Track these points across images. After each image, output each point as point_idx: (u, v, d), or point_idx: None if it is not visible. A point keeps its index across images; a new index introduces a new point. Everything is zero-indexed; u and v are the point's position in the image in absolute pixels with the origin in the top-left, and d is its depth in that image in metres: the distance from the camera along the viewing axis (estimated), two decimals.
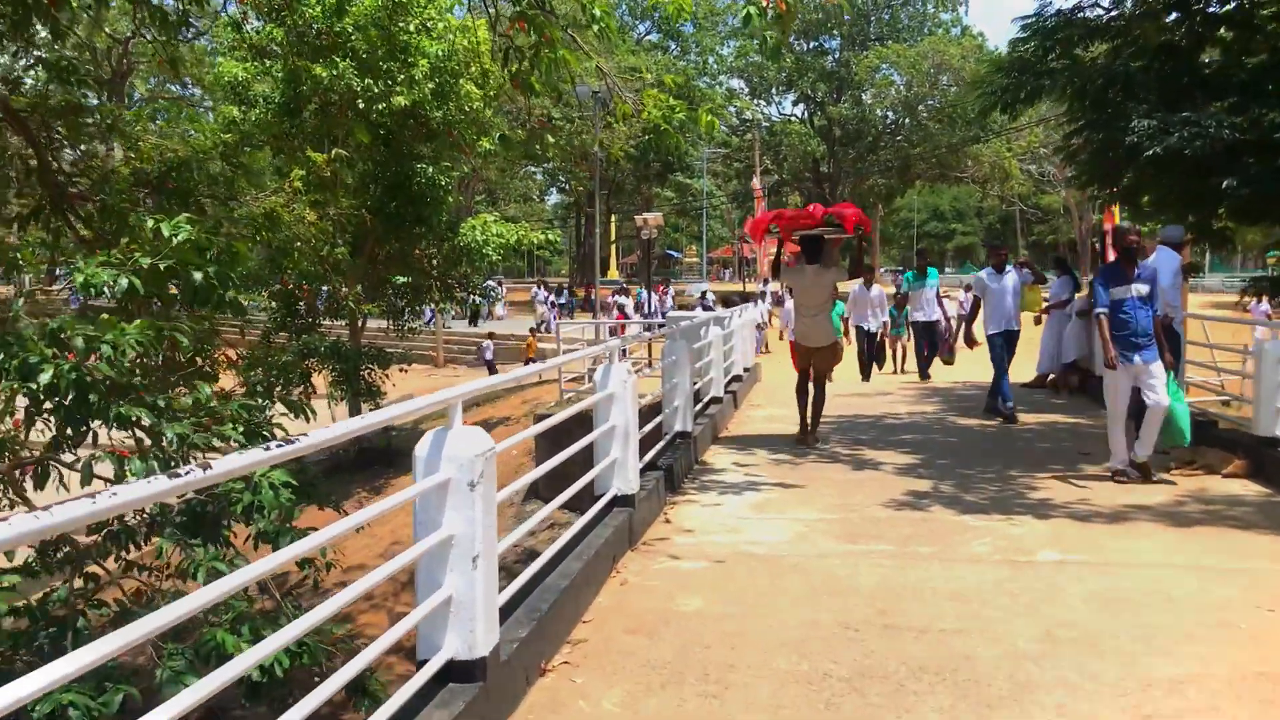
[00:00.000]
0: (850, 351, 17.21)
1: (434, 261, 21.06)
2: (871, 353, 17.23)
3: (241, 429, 8.23)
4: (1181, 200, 11.83)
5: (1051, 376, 13.44)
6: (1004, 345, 11.03)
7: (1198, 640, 4.32)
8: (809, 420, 9.71)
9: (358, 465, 21.80)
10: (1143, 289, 7.59)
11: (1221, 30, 11.60)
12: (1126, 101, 11.12)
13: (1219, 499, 7.05)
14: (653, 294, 36.73)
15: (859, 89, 54.45)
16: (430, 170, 19.57)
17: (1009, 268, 11.31)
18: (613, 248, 66.89)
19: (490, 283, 25.11)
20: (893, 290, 18.41)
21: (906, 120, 55.02)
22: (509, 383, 4.80)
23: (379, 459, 22.04)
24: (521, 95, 10.65)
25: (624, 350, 19.84)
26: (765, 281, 41.53)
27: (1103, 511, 6.71)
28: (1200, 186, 10.88)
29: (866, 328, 16.90)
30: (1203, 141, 10.04)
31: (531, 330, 33.29)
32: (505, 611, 4.03)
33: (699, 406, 10.20)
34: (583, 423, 6.09)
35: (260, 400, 9.07)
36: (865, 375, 16.90)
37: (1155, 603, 4.81)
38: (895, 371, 18.50)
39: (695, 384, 10.38)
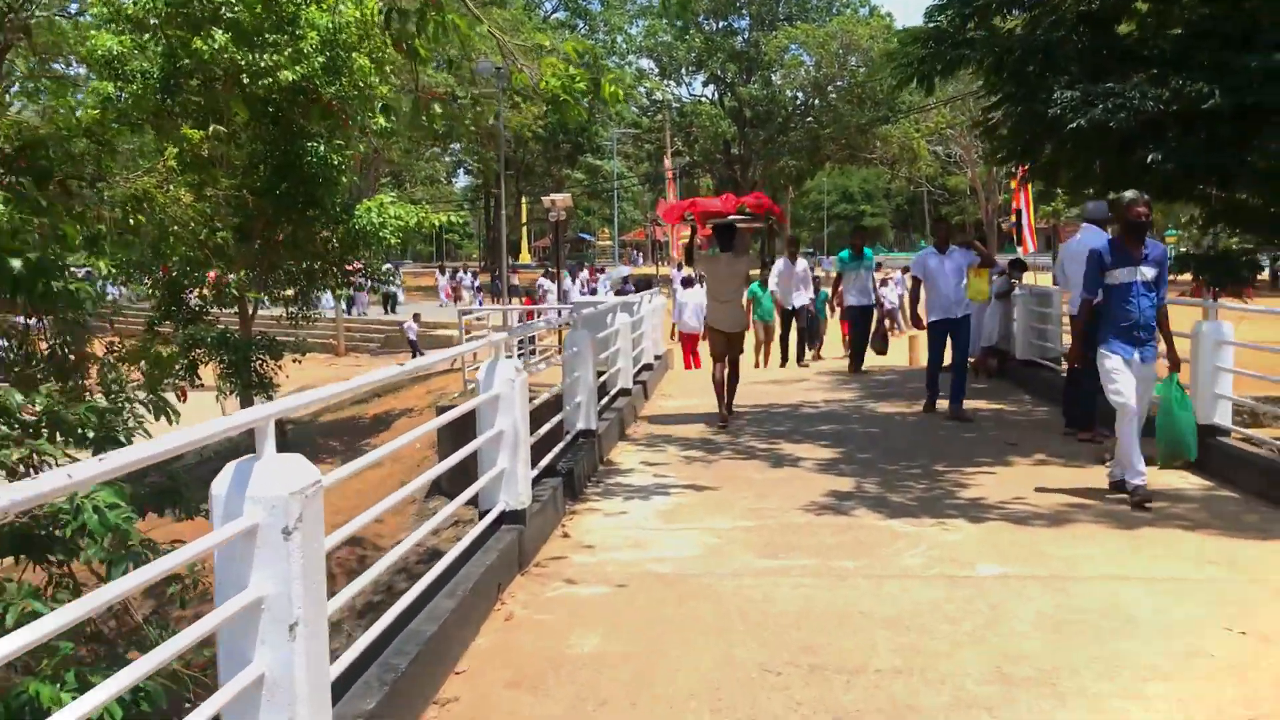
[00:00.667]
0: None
1: (331, 245, 19.97)
2: (800, 332, 15.98)
3: (93, 435, 7.32)
4: (1102, 176, 11.45)
5: (971, 359, 12.99)
6: (944, 335, 9.86)
7: (1170, 675, 3.74)
8: (727, 403, 9.93)
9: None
10: (1149, 272, 6.38)
11: (1138, 2, 11.23)
12: (1047, 73, 10.66)
13: (1161, 494, 6.55)
14: (575, 278, 35.87)
15: (769, 69, 54.07)
16: (322, 149, 18.46)
17: (953, 247, 10.03)
18: (524, 230, 65.69)
19: (386, 266, 24.05)
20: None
21: (816, 101, 54.87)
22: (382, 382, 3.99)
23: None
24: (407, 60, 9.81)
25: (533, 338, 18.95)
26: (679, 266, 40.97)
27: (1040, 512, 6.17)
28: (1122, 161, 10.49)
29: (792, 305, 15.46)
30: (1126, 113, 9.61)
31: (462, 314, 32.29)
32: (352, 675, 3.27)
33: (606, 400, 9.49)
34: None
35: (121, 401, 8.17)
36: (794, 357, 15.82)
37: (1114, 626, 4.23)
38: (816, 357, 17.87)
39: (603, 375, 9.70)
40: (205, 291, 19.25)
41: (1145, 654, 3.93)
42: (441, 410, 16.95)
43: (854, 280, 13.93)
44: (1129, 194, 6.53)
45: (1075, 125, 9.75)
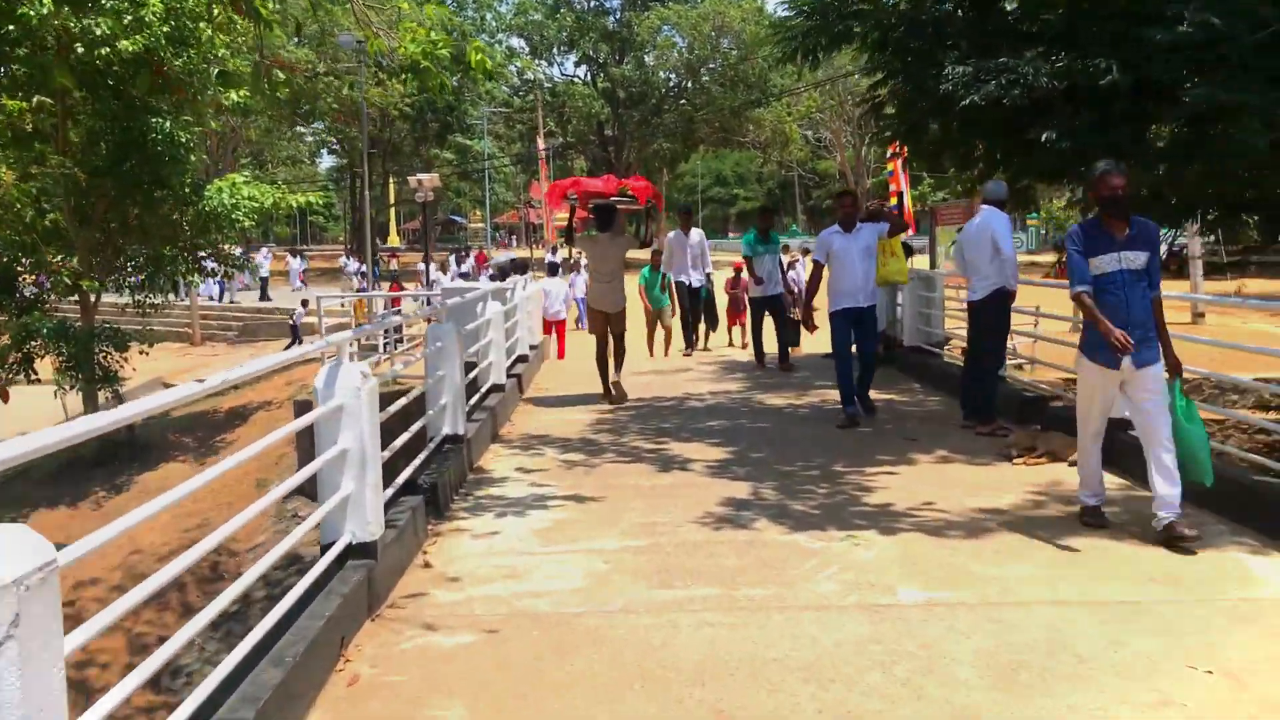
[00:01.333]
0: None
1: (181, 228, 18.55)
2: (696, 314, 14.32)
3: None
4: (988, 157, 11.12)
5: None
6: (849, 327, 8.61)
7: None
8: (612, 375, 10.10)
9: (98, 460, 19.27)
10: (1136, 258, 5.14)
11: None
12: (936, 49, 10.24)
13: (1075, 494, 6.10)
14: (460, 264, 34.31)
15: (641, 50, 53.45)
16: (167, 125, 17.05)
17: (860, 224, 8.75)
18: (392, 212, 63.72)
19: (240, 250, 22.65)
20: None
21: (689, 83, 54.53)
22: (176, 402, 3.10)
23: (123, 452, 19.58)
24: (250, 25, 8.82)
25: (399, 327, 17.80)
26: (554, 249, 40.10)
27: (955, 520, 5.63)
28: (1013, 141, 10.16)
29: (688, 282, 13.73)
30: (1020, 89, 9.23)
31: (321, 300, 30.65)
32: None
33: (476, 398, 8.67)
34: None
35: None
36: (689, 342, 14.53)
37: (1065, 669, 3.66)
38: (704, 347, 16.99)
39: (474, 369, 8.90)
40: (41, 278, 17.81)
41: (1108, 705, 3.36)
42: (300, 406, 15.82)
43: (762, 266, 12.27)
44: (1101, 164, 5.28)
45: (968, 101, 9.34)
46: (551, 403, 10.30)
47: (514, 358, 11.35)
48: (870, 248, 8.66)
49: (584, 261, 19.75)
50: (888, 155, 17.34)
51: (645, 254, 13.74)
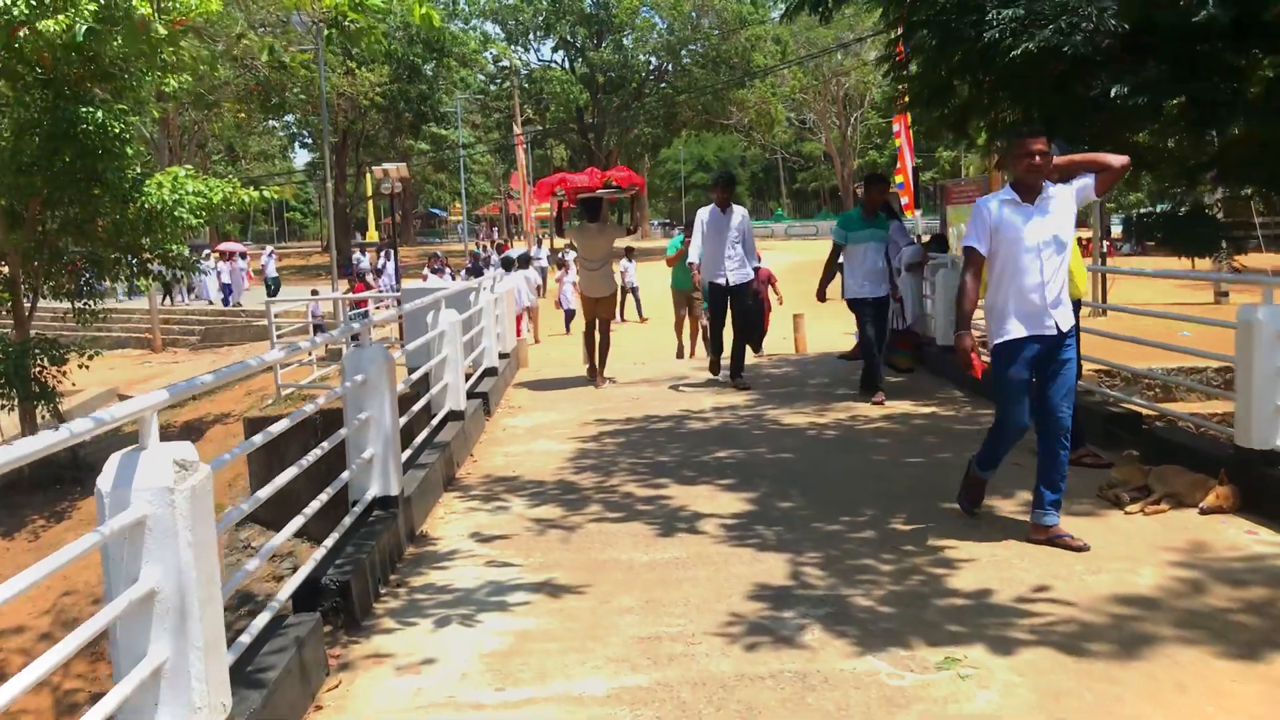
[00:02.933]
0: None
1: (124, 228, 16.76)
2: (737, 325, 10.17)
3: None
4: (1027, 121, 9.45)
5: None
6: (1029, 372, 4.94)
7: None
8: (597, 363, 10.71)
9: (36, 484, 17.61)
10: None
11: None
12: None
13: (1240, 567, 4.40)
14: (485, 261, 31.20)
15: (620, 33, 51.62)
16: (100, 115, 15.22)
17: (1051, 188, 4.87)
18: (368, 205, 61.68)
19: (208, 248, 20.85)
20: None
21: (670, 65, 52.82)
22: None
23: (64, 476, 17.91)
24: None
25: (335, 337, 16.22)
26: (539, 241, 38.42)
27: (1091, 622, 3.92)
28: (1064, 99, 8.50)
29: (725, 281, 9.73)
30: (1083, 35, 7.55)
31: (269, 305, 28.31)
32: None
33: (426, 432, 6.94)
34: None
35: None
36: (716, 365, 10.45)
37: None
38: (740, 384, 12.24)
39: (427, 393, 7.23)
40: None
41: None
42: (251, 423, 14.12)
43: (861, 257, 8.85)
44: None
45: (1020, 50, 7.65)
46: (523, 430, 8.55)
47: (480, 371, 9.63)
48: (1066, 230, 4.93)
49: (571, 254, 18.29)
50: (894, 130, 15.61)
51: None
